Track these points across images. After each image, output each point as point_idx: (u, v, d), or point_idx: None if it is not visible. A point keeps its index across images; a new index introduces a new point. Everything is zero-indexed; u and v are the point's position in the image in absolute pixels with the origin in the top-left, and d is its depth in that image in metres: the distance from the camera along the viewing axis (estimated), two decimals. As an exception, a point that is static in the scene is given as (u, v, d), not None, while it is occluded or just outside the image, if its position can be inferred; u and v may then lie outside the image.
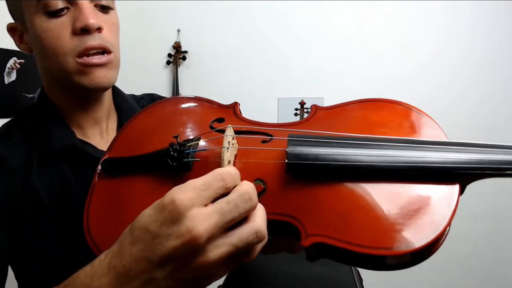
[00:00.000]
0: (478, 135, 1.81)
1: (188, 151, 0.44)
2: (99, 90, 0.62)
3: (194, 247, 0.33)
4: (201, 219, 0.33)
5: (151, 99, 0.78)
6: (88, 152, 0.61)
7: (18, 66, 1.47)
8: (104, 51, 0.58)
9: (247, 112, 1.75)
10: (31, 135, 0.62)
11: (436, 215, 0.39)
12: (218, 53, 1.90)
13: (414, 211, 0.38)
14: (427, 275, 1.90)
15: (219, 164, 0.41)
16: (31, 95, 1.55)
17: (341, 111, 0.49)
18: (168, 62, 1.93)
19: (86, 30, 0.56)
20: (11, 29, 0.63)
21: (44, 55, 0.59)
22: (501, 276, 1.86)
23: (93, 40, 0.56)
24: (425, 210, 0.39)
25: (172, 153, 0.44)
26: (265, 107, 1.89)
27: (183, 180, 0.39)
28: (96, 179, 0.47)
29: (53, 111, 0.64)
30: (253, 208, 0.35)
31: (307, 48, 1.85)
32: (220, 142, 0.43)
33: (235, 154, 0.45)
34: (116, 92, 0.72)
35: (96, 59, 0.57)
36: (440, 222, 0.39)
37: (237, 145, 0.45)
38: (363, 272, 0.94)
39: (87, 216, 0.44)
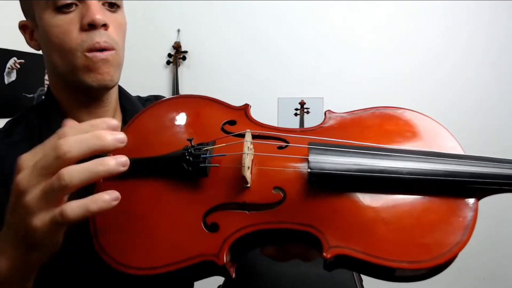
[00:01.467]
0: (478, 135, 1.81)
1: (204, 155, 0.42)
2: (102, 88, 0.62)
3: (16, 193, 0.39)
4: (22, 174, 0.39)
5: (157, 100, 0.76)
6: None
7: (18, 66, 1.47)
8: (107, 49, 0.58)
9: (247, 112, 1.68)
10: (34, 133, 0.62)
11: (458, 230, 0.39)
12: (218, 53, 1.90)
13: (436, 225, 0.38)
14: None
15: (239, 170, 0.41)
16: (31, 95, 1.55)
17: (357, 118, 0.50)
18: (168, 62, 1.93)
19: (92, 26, 0.56)
20: (22, 27, 0.64)
21: (51, 51, 0.59)
22: (501, 276, 1.86)
23: (99, 37, 0.57)
24: (447, 224, 0.39)
25: (188, 157, 0.42)
26: (265, 107, 1.89)
27: (199, 186, 0.41)
28: (102, 180, 0.42)
29: (57, 109, 0.64)
30: (60, 155, 0.37)
31: (307, 48, 1.85)
32: (236, 147, 0.43)
33: (252, 160, 0.43)
34: (122, 93, 0.72)
35: (99, 55, 0.58)
36: (461, 238, 0.38)
37: (253, 150, 0.44)
38: (363, 272, 0.95)
39: (93, 221, 0.43)
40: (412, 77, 1.81)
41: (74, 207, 0.37)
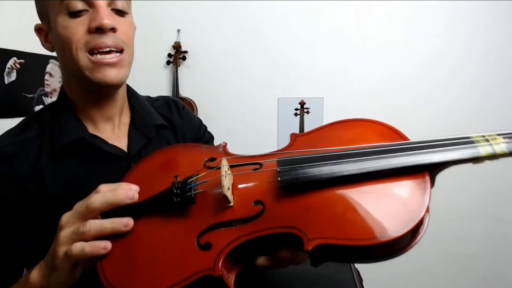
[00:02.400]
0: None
1: (190, 186, 0.49)
2: (109, 87, 0.65)
3: (58, 226, 0.50)
4: (67, 214, 0.51)
5: (166, 101, 0.82)
6: (97, 146, 0.65)
7: (18, 66, 1.47)
8: (117, 50, 0.62)
9: (247, 112, 1.76)
10: (46, 130, 0.66)
11: (416, 199, 0.44)
12: (218, 53, 1.90)
13: (397, 200, 0.44)
14: (427, 275, 1.90)
15: (220, 192, 0.47)
16: (31, 95, 1.55)
17: (319, 134, 0.56)
18: (168, 62, 1.93)
19: (100, 29, 0.60)
20: (38, 30, 0.69)
21: (62, 51, 0.63)
22: (501, 276, 1.86)
23: (107, 39, 0.61)
24: (404, 201, 0.44)
25: (175, 190, 0.48)
26: (265, 107, 1.89)
27: (189, 213, 0.48)
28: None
29: (69, 107, 0.68)
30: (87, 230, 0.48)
31: (308, 48, 1.85)
32: (216, 174, 0.49)
33: (232, 183, 0.50)
34: (130, 92, 0.76)
35: (108, 59, 0.61)
36: (419, 206, 0.44)
37: (232, 175, 0.50)
38: (363, 272, 0.94)
39: (100, 265, 0.48)
40: (412, 77, 1.81)
41: (76, 246, 0.47)
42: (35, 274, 0.52)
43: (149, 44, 1.89)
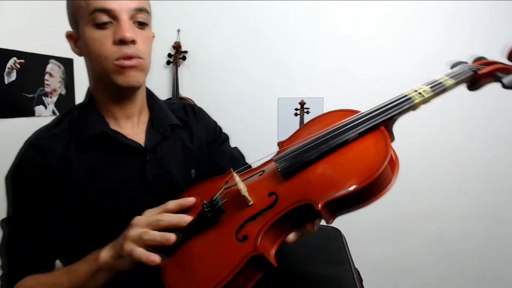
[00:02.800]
0: (477, 135, 1.81)
1: (216, 201, 0.61)
2: (130, 88, 0.76)
3: (130, 224, 0.63)
4: (140, 217, 0.64)
5: (182, 105, 0.93)
6: (118, 139, 0.76)
7: (18, 66, 1.47)
8: (134, 57, 0.72)
9: (247, 112, 1.76)
10: (74, 126, 0.77)
11: (381, 145, 0.59)
12: (218, 53, 1.90)
13: (368, 150, 0.60)
14: (427, 275, 1.90)
15: (240, 195, 0.61)
16: (31, 95, 1.55)
17: (297, 134, 0.71)
18: (168, 62, 1.93)
19: (123, 42, 0.70)
20: (69, 36, 0.80)
21: (90, 58, 0.74)
22: (501, 276, 1.86)
23: (128, 49, 0.71)
24: (372, 149, 0.59)
25: (206, 208, 0.61)
26: (265, 107, 1.89)
27: (224, 221, 0.61)
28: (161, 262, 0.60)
29: (94, 106, 0.79)
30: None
31: (307, 48, 1.85)
32: (234, 187, 0.63)
33: (246, 189, 0.62)
34: (149, 95, 0.86)
35: (129, 62, 0.72)
36: (385, 148, 0.58)
37: (244, 182, 0.64)
38: (363, 272, 0.95)
39: (163, 266, 0.60)
40: (412, 77, 1.81)
41: (137, 251, 0.59)
42: (105, 254, 0.64)
43: (149, 44, 1.89)
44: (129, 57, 0.71)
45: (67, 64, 1.77)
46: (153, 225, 0.62)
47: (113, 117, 0.79)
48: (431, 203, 1.87)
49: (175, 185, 0.79)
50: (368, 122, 0.63)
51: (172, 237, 0.60)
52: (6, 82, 1.42)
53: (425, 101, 0.70)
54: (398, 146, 2.06)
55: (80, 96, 1.86)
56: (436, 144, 1.83)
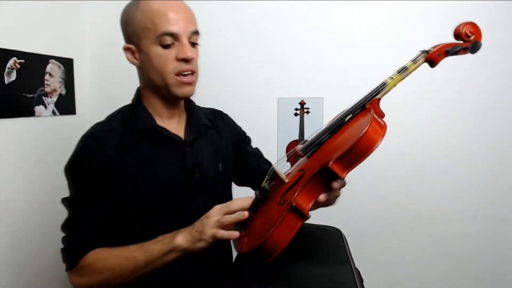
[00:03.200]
0: (477, 135, 1.81)
1: (263, 186, 0.86)
2: (183, 98, 0.97)
3: (206, 215, 0.82)
4: (213, 211, 0.82)
5: (212, 111, 1.16)
6: (163, 133, 0.94)
7: (18, 66, 1.47)
8: (192, 72, 0.92)
9: (247, 112, 1.76)
10: (126, 122, 0.95)
11: (366, 119, 0.77)
12: (218, 53, 1.89)
13: (357, 124, 0.80)
14: (427, 275, 1.90)
15: (279, 178, 0.84)
16: (31, 95, 1.55)
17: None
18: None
19: (185, 60, 0.89)
20: (126, 49, 0.94)
21: (151, 71, 0.91)
22: (501, 276, 1.86)
23: (188, 66, 0.90)
24: (363, 120, 0.79)
25: (257, 192, 0.85)
26: (265, 107, 1.89)
27: (270, 200, 0.83)
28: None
29: (143, 106, 0.97)
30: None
31: (307, 48, 1.85)
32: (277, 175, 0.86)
33: (283, 173, 0.85)
34: (188, 100, 1.05)
35: (187, 79, 0.91)
36: (368, 120, 0.75)
37: (280, 169, 0.86)
38: (363, 273, 0.94)
39: (235, 241, 0.83)
40: (412, 76, 1.81)
41: (220, 232, 0.78)
42: (181, 239, 0.80)
43: (149, 44, 1.89)
44: (188, 74, 0.90)
45: (67, 64, 1.77)
46: (226, 212, 0.79)
47: (159, 115, 0.97)
48: (431, 203, 1.87)
49: (206, 174, 0.98)
50: (356, 105, 0.84)
51: (245, 213, 0.79)
52: (6, 82, 1.42)
53: (395, 83, 0.99)
54: (398, 146, 2.06)
55: (80, 96, 1.86)
56: (436, 145, 1.83)
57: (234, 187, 1.17)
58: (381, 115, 0.84)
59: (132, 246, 0.84)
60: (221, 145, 1.07)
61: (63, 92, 1.74)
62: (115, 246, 0.86)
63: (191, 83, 0.92)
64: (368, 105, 0.83)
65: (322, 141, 0.83)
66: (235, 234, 0.78)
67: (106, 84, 1.94)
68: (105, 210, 0.88)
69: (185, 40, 0.88)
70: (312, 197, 0.76)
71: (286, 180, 0.82)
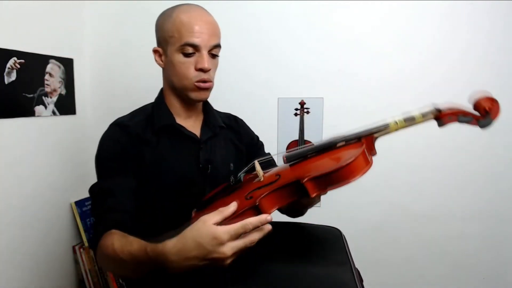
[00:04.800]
0: (477, 135, 1.81)
1: (238, 176, 0.92)
2: (199, 101, 1.09)
3: (216, 241, 0.69)
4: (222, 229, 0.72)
5: (227, 115, 1.26)
6: (181, 130, 1.05)
7: (18, 66, 1.47)
8: (209, 80, 1.02)
9: (247, 112, 1.75)
10: (149, 117, 1.06)
11: (354, 152, 0.75)
12: (218, 53, 1.89)
13: (344, 153, 0.79)
14: (427, 275, 1.90)
15: (255, 176, 0.89)
16: (31, 95, 1.55)
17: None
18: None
19: (203, 70, 0.99)
20: (155, 51, 1.07)
21: (173, 75, 1.02)
22: (501, 276, 1.86)
23: (205, 75, 1.00)
24: (350, 151, 0.78)
25: (232, 179, 0.94)
26: (265, 107, 1.89)
27: (241, 189, 0.86)
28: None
29: (165, 104, 1.08)
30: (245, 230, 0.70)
31: (307, 48, 1.85)
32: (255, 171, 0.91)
33: (262, 173, 0.88)
34: (205, 103, 1.17)
35: (203, 85, 1.01)
36: (357, 153, 0.74)
37: (259, 166, 0.91)
38: (364, 272, 0.94)
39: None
40: (412, 76, 1.81)
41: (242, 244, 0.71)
42: (171, 246, 0.71)
43: (150, 44, 1.88)
44: (204, 81, 1.00)
45: (67, 64, 1.77)
46: (234, 234, 0.71)
47: (178, 114, 1.07)
48: (431, 203, 1.87)
49: (218, 172, 1.06)
50: (353, 136, 0.83)
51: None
52: (6, 82, 1.42)
53: (398, 128, 0.90)
54: (399, 146, 2.06)
55: (80, 96, 1.86)
56: (436, 145, 1.83)
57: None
58: (373, 152, 0.84)
59: (149, 244, 0.77)
60: (234, 146, 1.16)
61: (63, 92, 1.74)
62: (133, 226, 0.90)
63: (207, 89, 1.02)
64: (364, 139, 0.82)
65: (308, 156, 0.85)
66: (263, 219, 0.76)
67: (106, 84, 1.94)
68: (126, 189, 0.95)
69: (205, 52, 0.98)
70: (277, 204, 0.76)
71: (262, 179, 0.85)
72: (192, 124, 1.09)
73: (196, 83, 1.00)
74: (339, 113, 1.85)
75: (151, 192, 0.99)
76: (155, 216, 1.00)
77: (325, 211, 1.65)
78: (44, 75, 1.61)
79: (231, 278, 0.87)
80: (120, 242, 0.82)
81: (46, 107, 1.63)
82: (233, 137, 1.17)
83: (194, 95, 1.02)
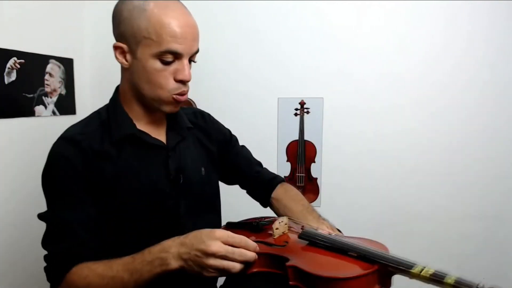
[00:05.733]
0: (477, 135, 1.81)
1: (262, 222, 0.92)
2: (169, 113, 0.92)
3: (205, 255, 0.70)
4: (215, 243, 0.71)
5: (193, 111, 1.08)
6: (144, 139, 0.89)
7: (18, 66, 1.47)
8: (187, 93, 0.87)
9: (247, 112, 1.76)
10: (105, 125, 0.89)
11: (357, 272, 0.67)
12: (218, 52, 1.89)
13: (348, 267, 0.70)
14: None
15: (272, 230, 0.86)
16: (31, 95, 1.55)
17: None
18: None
19: (183, 82, 0.85)
20: (117, 47, 0.86)
21: (146, 83, 0.84)
22: (501, 276, 1.86)
23: (185, 87, 0.86)
24: (353, 269, 0.69)
25: (255, 223, 0.92)
26: (265, 107, 1.89)
27: (259, 234, 0.88)
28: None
29: (122, 109, 0.90)
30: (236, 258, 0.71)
31: (307, 48, 1.85)
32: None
33: (283, 231, 0.88)
34: None
35: (182, 98, 0.86)
36: (358, 275, 0.66)
37: (286, 226, 0.89)
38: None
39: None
40: (412, 76, 1.81)
41: (223, 271, 0.70)
42: (175, 264, 0.71)
43: (149, 44, 1.88)
44: (183, 94, 0.86)
45: (67, 64, 1.77)
46: (228, 255, 0.70)
47: (138, 119, 0.91)
48: (431, 203, 1.87)
49: (191, 178, 0.94)
50: (369, 254, 0.71)
51: (253, 255, 0.73)
52: (6, 82, 1.42)
53: (420, 279, 0.71)
54: (399, 146, 2.06)
55: (80, 96, 1.86)
56: (436, 145, 1.83)
57: (223, 187, 1.16)
58: (383, 283, 0.71)
59: (117, 263, 0.76)
60: (204, 148, 1.02)
61: (63, 92, 1.74)
62: (98, 259, 0.80)
63: (183, 102, 0.89)
64: (378, 265, 0.69)
65: (318, 244, 0.78)
66: (236, 267, 0.70)
67: (106, 84, 1.93)
68: (83, 220, 0.81)
69: (186, 60, 0.84)
70: (263, 265, 0.74)
71: (275, 236, 0.85)
72: (156, 129, 0.93)
73: (174, 96, 0.84)
74: (339, 113, 1.85)
75: (117, 213, 0.84)
76: (126, 241, 0.85)
77: (325, 211, 1.64)
78: (44, 75, 1.61)
79: (230, 280, 0.87)
80: (98, 270, 0.77)
81: (46, 107, 1.63)
82: (202, 137, 1.03)
83: (169, 108, 0.87)
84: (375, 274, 0.67)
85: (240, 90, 1.89)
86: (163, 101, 0.85)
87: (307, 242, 0.80)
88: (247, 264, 0.72)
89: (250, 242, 0.72)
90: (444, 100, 1.81)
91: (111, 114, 0.90)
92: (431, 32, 1.78)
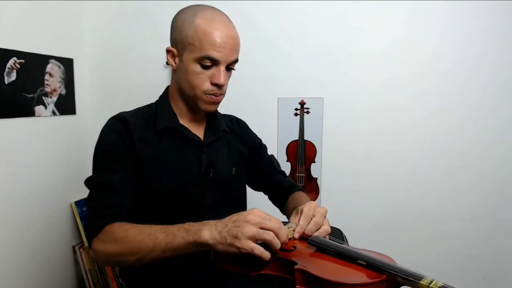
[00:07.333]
0: (477, 136, 1.81)
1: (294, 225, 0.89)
2: (206, 112, 1.05)
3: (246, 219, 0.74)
4: (255, 215, 0.75)
5: (231, 118, 1.23)
6: (184, 132, 1.01)
7: (18, 66, 1.47)
8: (221, 94, 0.99)
9: (247, 112, 1.76)
10: (152, 116, 1.02)
11: (363, 280, 0.67)
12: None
13: (355, 274, 0.70)
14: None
15: (292, 234, 0.86)
16: (31, 95, 1.55)
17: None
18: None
19: (218, 85, 0.96)
20: (169, 51, 1.00)
21: (187, 83, 0.97)
22: (501, 276, 1.86)
23: (218, 90, 0.97)
24: (361, 276, 0.69)
25: (290, 226, 0.88)
26: (265, 107, 1.89)
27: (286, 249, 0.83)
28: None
29: (169, 104, 1.04)
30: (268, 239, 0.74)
31: (307, 48, 1.85)
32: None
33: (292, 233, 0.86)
34: None
35: (215, 98, 0.98)
36: (368, 282, 0.66)
37: (293, 226, 0.88)
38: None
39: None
40: (412, 77, 1.81)
41: (259, 250, 0.72)
42: (208, 235, 0.74)
43: (149, 44, 1.89)
44: (217, 95, 0.97)
45: (67, 64, 1.77)
46: (262, 225, 0.73)
47: (182, 116, 1.04)
48: (431, 203, 1.87)
49: (220, 175, 1.04)
50: (378, 263, 0.72)
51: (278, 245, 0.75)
52: (6, 82, 1.42)
53: None
54: (399, 147, 2.06)
55: (80, 96, 1.86)
56: (437, 145, 1.83)
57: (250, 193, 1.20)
58: None
59: (157, 226, 0.81)
60: (237, 150, 1.14)
61: (63, 92, 1.74)
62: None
63: (217, 102, 1.01)
64: (387, 275, 0.69)
65: (326, 251, 0.79)
66: (269, 255, 0.73)
67: (106, 84, 1.94)
68: (124, 183, 0.92)
69: (223, 67, 0.94)
70: (271, 268, 0.76)
71: (292, 236, 0.86)
72: (196, 127, 1.06)
73: (208, 96, 0.96)
74: (339, 113, 1.85)
75: (149, 193, 0.95)
76: (152, 218, 0.91)
77: (325, 211, 1.64)
78: (44, 75, 1.61)
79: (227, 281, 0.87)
80: (138, 226, 0.83)
81: (46, 107, 1.63)
82: (235, 141, 1.15)
83: (204, 106, 0.99)
84: (383, 283, 0.67)
85: (240, 90, 1.89)
86: (199, 99, 0.97)
87: (315, 248, 0.81)
88: (257, 264, 0.74)
89: (282, 230, 0.75)
90: (444, 101, 1.81)
91: (159, 108, 1.03)
92: (431, 33, 1.78)
